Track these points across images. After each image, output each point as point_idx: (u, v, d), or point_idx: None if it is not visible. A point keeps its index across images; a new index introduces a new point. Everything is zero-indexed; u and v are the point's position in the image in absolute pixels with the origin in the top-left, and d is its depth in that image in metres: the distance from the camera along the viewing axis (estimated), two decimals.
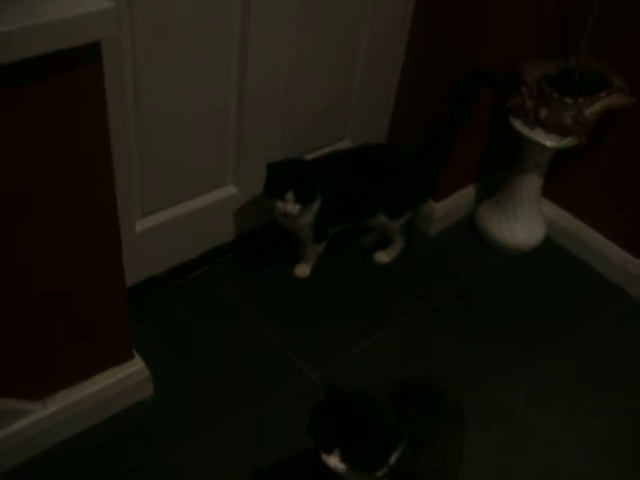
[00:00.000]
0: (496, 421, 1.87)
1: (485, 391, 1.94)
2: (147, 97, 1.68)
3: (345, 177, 2.03)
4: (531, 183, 2.24)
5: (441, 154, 2.17)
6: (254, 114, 1.93)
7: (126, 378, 1.74)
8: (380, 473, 1.42)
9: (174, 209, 1.96)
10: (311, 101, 2.06)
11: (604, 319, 2.21)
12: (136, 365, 1.76)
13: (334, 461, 1.40)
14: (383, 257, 2.26)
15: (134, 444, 1.72)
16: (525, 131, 2.09)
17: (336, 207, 2.02)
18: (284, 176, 1.91)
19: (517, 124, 2.10)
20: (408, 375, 1.66)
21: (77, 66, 1.18)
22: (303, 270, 2.19)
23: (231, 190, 2.06)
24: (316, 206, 1.96)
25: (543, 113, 2.03)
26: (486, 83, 2.09)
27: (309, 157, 2.12)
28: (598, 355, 2.09)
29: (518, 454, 1.82)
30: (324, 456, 1.41)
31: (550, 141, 2.07)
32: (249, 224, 2.18)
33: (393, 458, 1.41)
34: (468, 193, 2.43)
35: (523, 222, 2.30)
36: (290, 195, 1.88)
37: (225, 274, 2.15)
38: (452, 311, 2.16)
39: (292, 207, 1.90)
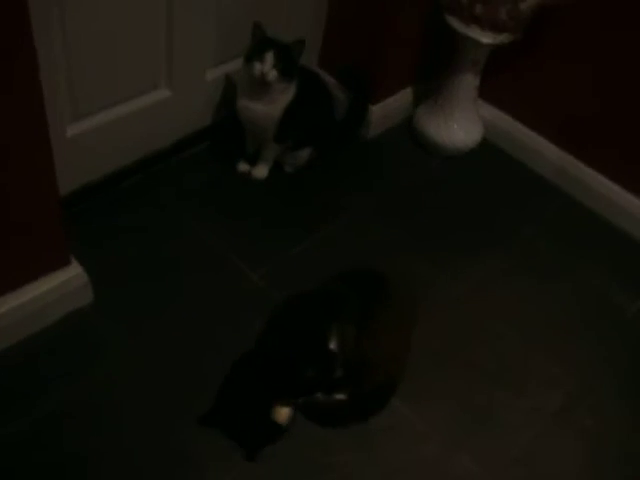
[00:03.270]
0: (439, 311, 1.91)
1: (427, 285, 1.98)
2: None
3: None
4: (467, 82, 2.23)
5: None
6: (185, 12, 1.88)
7: (64, 284, 1.72)
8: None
9: (105, 113, 1.90)
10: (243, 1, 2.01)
11: (540, 216, 2.26)
12: (74, 271, 1.74)
13: None
14: (262, 172, 2.18)
15: (74, 350, 1.72)
16: (460, 28, 2.07)
17: (301, 114, 2.00)
18: (269, 40, 1.90)
19: (452, 21, 2.09)
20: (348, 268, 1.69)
21: None
22: (261, 171, 2.17)
23: (165, 93, 2.01)
24: (289, 96, 1.96)
25: (478, 9, 2.01)
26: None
27: None
28: (535, 249, 2.15)
29: (462, 343, 1.88)
30: None
31: (486, 38, 2.06)
32: (185, 129, 2.14)
33: (332, 345, 1.45)
34: (406, 95, 2.42)
35: (460, 123, 2.31)
36: (270, 56, 1.87)
37: (163, 180, 2.12)
38: (392, 211, 2.19)
39: (269, 69, 1.87)
